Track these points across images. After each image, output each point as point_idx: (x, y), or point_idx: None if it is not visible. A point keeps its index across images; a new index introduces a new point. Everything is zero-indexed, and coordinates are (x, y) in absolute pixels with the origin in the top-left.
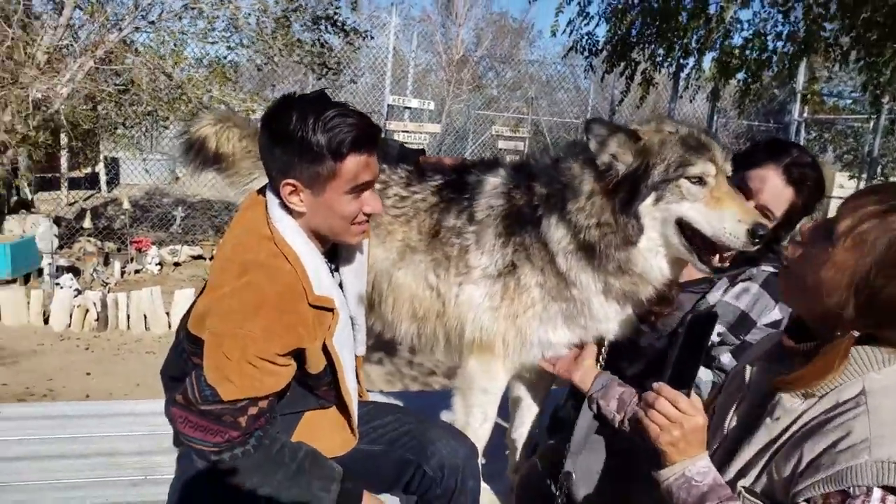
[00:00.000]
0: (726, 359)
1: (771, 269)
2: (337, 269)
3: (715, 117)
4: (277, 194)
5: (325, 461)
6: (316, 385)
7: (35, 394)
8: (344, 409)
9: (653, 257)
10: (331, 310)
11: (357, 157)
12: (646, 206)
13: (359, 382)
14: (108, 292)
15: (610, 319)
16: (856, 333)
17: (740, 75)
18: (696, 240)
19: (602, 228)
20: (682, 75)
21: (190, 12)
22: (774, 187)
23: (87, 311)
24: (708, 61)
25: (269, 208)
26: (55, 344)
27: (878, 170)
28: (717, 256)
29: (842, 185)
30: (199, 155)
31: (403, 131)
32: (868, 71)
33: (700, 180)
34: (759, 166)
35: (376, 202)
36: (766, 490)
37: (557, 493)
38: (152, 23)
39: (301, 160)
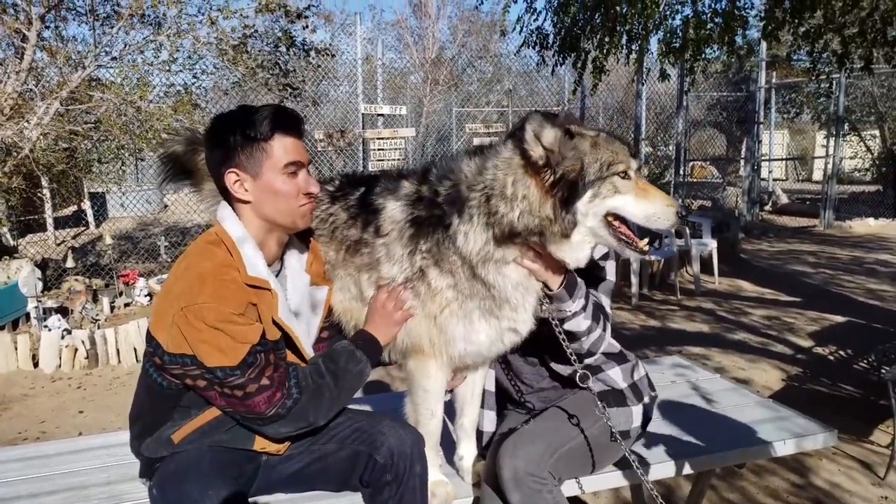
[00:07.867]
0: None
1: None
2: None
3: (685, 91)
4: (225, 193)
5: (334, 351)
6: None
7: (28, 437)
8: None
9: (579, 248)
10: (268, 289)
11: (283, 137)
12: (583, 203)
13: None
14: (98, 328)
15: (527, 308)
16: None
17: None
18: (618, 231)
19: (543, 222)
20: (631, 59)
21: (151, 45)
22: None
23: (77, 350)
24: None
25: (218, 210)
26: (46, 386)
27: (846, 126)
28: (644, 241)
29: (823, 145)
30: (172, 170)
31: (379, 138)
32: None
33: (625, 175)
34: None
35: (314, 183)
36: None
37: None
38: (115, 58)
39: (239, 149)
